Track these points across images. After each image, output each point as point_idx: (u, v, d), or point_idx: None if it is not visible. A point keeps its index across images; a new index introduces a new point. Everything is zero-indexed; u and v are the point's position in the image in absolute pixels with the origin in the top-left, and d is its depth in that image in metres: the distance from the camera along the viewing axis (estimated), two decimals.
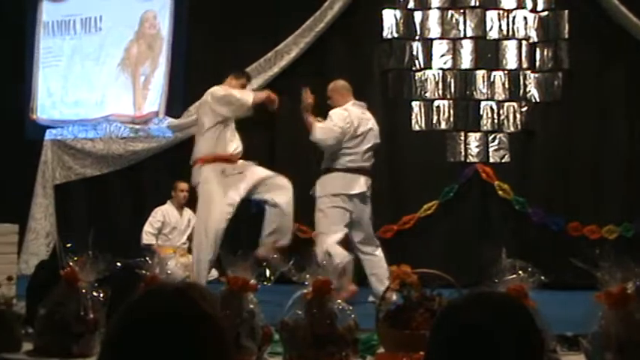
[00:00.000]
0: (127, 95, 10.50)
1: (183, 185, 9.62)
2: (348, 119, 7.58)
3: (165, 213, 9.71)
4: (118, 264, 4.15)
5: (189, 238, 9.70)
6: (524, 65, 9.62)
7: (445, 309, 2.05)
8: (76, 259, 4.00)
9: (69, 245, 4.15)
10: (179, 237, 9.68)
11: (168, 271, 4.07)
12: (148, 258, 4.04)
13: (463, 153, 9.62)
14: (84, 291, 3.98)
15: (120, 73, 10.56)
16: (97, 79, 10.62)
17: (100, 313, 3.94)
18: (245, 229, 9.06)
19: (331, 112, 7.70)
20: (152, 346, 1.68)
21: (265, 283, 3.91)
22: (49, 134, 10.58)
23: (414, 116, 9.70)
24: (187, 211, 9.74)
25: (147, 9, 10.58)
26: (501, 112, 9.62)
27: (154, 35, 10.53)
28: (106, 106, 10.51)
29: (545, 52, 9.64)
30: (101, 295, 3.99)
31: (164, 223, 9.66)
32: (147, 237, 9.53)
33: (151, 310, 1.74)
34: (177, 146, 10.14)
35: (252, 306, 3.73)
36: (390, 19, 9.80)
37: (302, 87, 7.88)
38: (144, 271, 3.95)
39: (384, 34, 9.80)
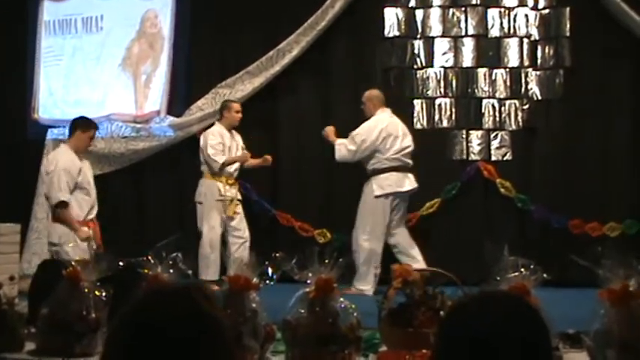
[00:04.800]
0: (129, 94, 10.50)
1: (238, 106, 9.37)
2: (377, 132, 8.69)
3: (220, 134, 9.22)
4: (120, 263, 4.15)
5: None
6: (526, 63, 9.62)
7: (453, 309, 2.05)
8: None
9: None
10: None
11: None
12: (150, 257, 4.03)
13: (465, 151, 9.63)
14: (86, 290, 3.98)
15: (121, 73, 10.56)
16: (99, 78, 10.62)
17: (102, 313, 3.94)
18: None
19: (361, 127, 8.81)
20: (154, 347, 1.68)
21: (267, 282, 3.91)
22: (51, 134, 10.57)
23: (415, 114, 9.71)
24: (237, 135, 9.38)
25: (148, 8, 10.57)
26: (503, 109, 9.62)
27: (156, 34, 10.53)
28: (107, 105, 10.50)
29: (547, 50, 9.64)
30: (103, 294, 3.99)
31: (223, 145, 9.19)
32: (219, 157, 9.06)
33: (152, 312, 1.74)
34: (178, 145, 10.15)
35: (254, 305, 3.73)
36: (391, 17, 9.80)
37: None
38: (146, 270, 3.94)
39: (386, 32, 9.80)
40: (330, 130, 8.99)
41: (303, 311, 3.67)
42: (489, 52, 9.69)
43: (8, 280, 4.66)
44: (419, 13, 9.81)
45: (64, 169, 7.93)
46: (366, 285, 8.46)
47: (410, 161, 8.82)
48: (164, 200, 10.18)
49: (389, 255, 8.67)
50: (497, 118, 9.62)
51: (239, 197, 9.22)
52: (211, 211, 9.00)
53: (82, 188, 8.01)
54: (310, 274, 3.73)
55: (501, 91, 9.63)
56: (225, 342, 1.77)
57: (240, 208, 9.20)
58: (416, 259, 8.32)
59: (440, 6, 9.79)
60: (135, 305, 1.78)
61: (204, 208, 9.04)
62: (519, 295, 3.19)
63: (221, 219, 9.00)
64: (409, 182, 8.78)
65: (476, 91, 9.67)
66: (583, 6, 9.53)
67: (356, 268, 8.47)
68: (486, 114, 9.63)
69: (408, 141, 8.84)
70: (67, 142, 8.41)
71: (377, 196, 8.65)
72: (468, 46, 9.73)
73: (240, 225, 9.12)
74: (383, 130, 8.73)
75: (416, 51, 9.77)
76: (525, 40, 9.65)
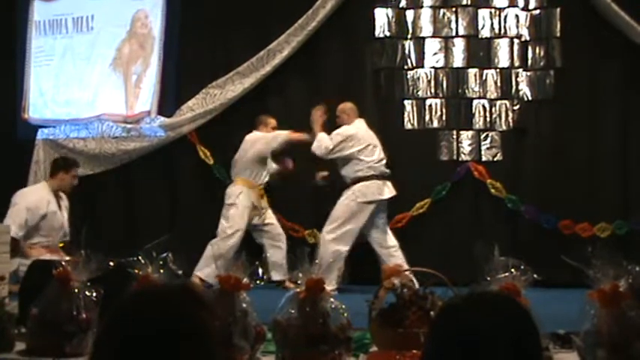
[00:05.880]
0: (119, 95, 10.48)
1: (275, 122, 9.35)
2: (356, 138, 8.78)
3: None
4: (111, 263, 4.14)
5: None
6: (516, 63, 9.63)
7: (443, 309, 2.05)
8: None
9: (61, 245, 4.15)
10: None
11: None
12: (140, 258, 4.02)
13: (455, 151, 9.63)
14: (76, 291, 3.97)
15: (112, 73, 10.54)
16: (89, 78, 10.59)
17: (92, 313, 3.93)
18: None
19: (342, 129, 8.88)
20: (141, 348, 1.68)
21: (258, 282, 3.91)
22: (41, 134, 10.54)
23: (406, 115, 9.71)
24: None
25: (138, 8, 10.55)
26: (493, 110, 9.63)
27: (146, 35, 10.51)
28: (97, 105, 10.48)
29: (537, 51, 9.65)
30: (94, 294, 3.98)
31: None
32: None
33: (137, 313, 1.74)
34: (169, 145, 10.14)
35: (244, 305, 3.73)
36: (382, 17, 9.80)
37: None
38: (136, 271, 3.94)
39: (376, 32, 9.81)
40: (319, 114, 9.01)
41: (293, 311, 3.68)
42: (480, 52, 9.70)
43: None
44: (409, 14, 9.82)
45: (27, 208, 8.25)
46: (329, 284, 8.46)
47: (388, 170, 8.88)
48: (155, 200, 10.15)
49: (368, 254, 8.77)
50: (488, 119, 9.62)
51: (264, 205, 9.22)
52: (240, 216, 8.92)
53: (41, 230, 8.22)
54: (300, 275, 3.73)
55: (492, 92, 9.64)
56: (209, 344, 1.76)
57: (270, 212, 9.30)
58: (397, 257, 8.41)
59: (430, 6, 9.79)
60: (121, 306, 1.78)
61: (235, 211, 8.92)
62: (509, 295, 3.19)
63: (245, 229, 8.93)
64: (388, 190, 8.85)
65: (466, 91, 9.68)
66: (573, 7, 9.55)
67: (319, 267, 8.42)
68: (477, 114, 9.64)
69: (382, 152, 8.94)
70: (49, 182, 8.65)
71: (360, 203, 8.70)
72: (459, 46, 9.74)
73: (276, 229, 9.20)
74: (362, 138, 8.80)
75: (406, 51, 9.77)
76: (516, 41, 9.67)
